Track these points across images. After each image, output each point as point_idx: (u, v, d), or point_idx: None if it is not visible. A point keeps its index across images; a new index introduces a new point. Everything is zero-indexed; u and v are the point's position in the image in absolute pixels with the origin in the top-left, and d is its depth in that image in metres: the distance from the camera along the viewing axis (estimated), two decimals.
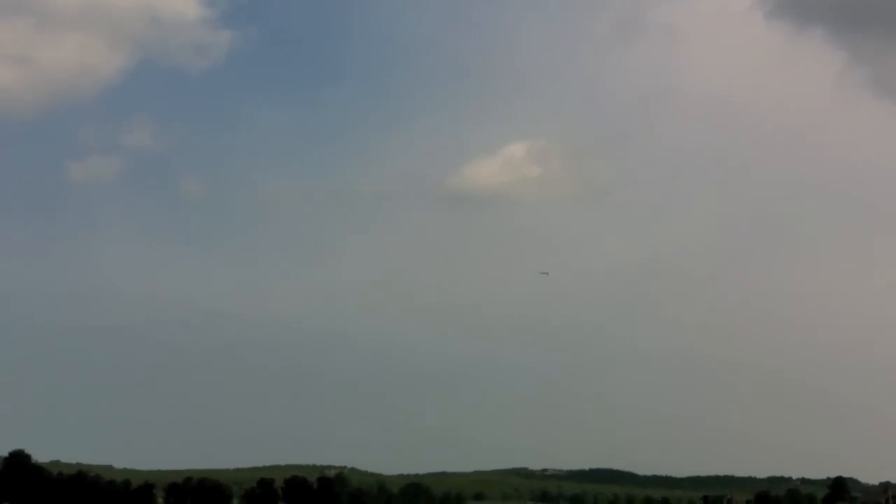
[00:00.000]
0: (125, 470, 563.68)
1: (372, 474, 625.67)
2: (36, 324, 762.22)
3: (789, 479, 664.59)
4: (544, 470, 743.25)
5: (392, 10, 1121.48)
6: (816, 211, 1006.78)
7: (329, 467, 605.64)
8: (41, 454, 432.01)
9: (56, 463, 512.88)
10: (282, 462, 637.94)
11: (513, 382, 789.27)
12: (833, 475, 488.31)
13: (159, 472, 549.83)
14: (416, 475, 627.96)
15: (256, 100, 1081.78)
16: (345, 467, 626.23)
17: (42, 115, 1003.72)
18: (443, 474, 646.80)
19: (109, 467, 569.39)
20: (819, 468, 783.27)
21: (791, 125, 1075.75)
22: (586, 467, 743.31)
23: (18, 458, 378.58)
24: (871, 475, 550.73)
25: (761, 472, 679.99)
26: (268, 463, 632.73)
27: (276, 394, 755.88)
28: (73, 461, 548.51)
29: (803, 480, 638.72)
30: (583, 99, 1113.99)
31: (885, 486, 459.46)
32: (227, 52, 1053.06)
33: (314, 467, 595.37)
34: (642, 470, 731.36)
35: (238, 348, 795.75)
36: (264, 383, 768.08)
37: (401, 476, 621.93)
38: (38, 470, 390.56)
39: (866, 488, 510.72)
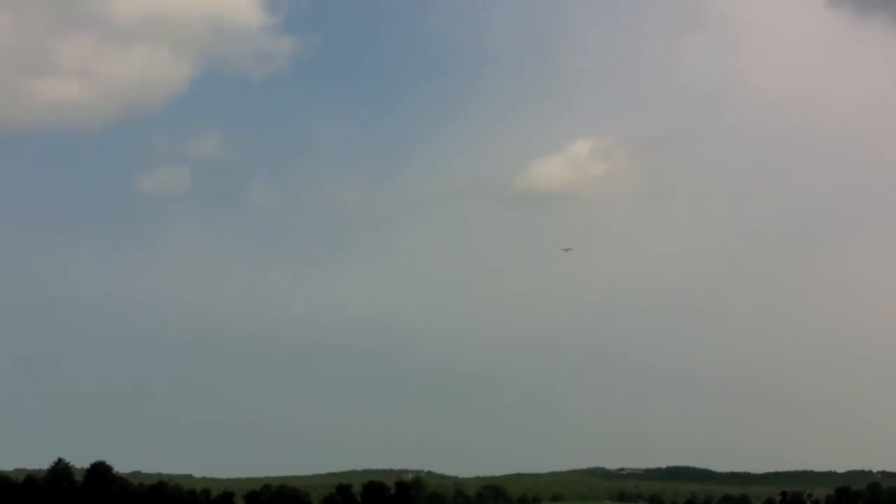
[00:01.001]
0: (204, 479, 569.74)
1: (449, 477, 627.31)
2: (113, 334, 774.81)
3: (870, 472, 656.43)
4: (621, 469, 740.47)
5: (454, 12, 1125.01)
6: (887, 200, 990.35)
7: (406, 471, 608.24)
8: (122, 465, 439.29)
9: (137, 474, 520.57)
10: (359, 467, 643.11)
11: (587, 381, 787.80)
12: None
13: (238, 480, 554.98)
14: (493, 477, 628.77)
15: (321, 105, 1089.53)
16: (422, 471, 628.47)
17: (111, 127, 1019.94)
18: (519, 476, 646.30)
19: (189, 477, 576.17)
20: None
21: (855, 113, 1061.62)
22: (663, 465, 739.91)
23: (100, 470, 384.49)
24: None
25: (841, 467, 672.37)
26: (345, 468, 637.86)
27: (352, 399, 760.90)
28: (154, 471, 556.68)
29: (884, 474, 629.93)
30: (647, 94, 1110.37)
31: None
32: (290, 58, 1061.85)
33: (391, 472, 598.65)
34: (720, 467, 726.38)
35: (311, 355, 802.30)
36: (339, 389, 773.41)
37: (477, 478, 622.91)
38: (119, 481, 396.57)
39: None
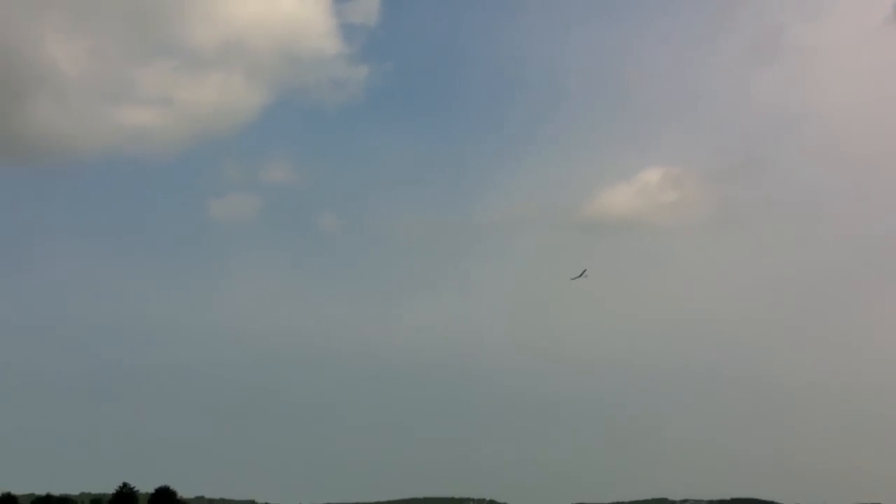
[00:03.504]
0: None
1: None
2: (180, 360, 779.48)
3: None
4: (685, 501, 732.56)
5: (523, 40, 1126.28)
6: None
7: (468, 500, 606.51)
8: (186, 490, 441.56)
9: (200, 499, 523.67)
10: (421, 495, 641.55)
11: (648, 411, 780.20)
12: None
13: None
14: None
15: (392, 133, 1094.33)
16: (483, 499, 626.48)
17: (185, 154, 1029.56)
18: None
19: (251, 502, 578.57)
20: None
21: None
22: (728, 496, 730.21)
23: (164, 494, 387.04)
24: None
25: None
26: (409, 495, 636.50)
27: (417, 426, 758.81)
28: (217, 496, 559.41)
29: None
30: (718, 123, 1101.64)
31: None
32: (364, 86, 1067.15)
33: (454, 500, 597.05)
34: (788, 499, 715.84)
35: (377, 382, 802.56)
36: (403, 416, 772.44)
37: None
38: None
39: None
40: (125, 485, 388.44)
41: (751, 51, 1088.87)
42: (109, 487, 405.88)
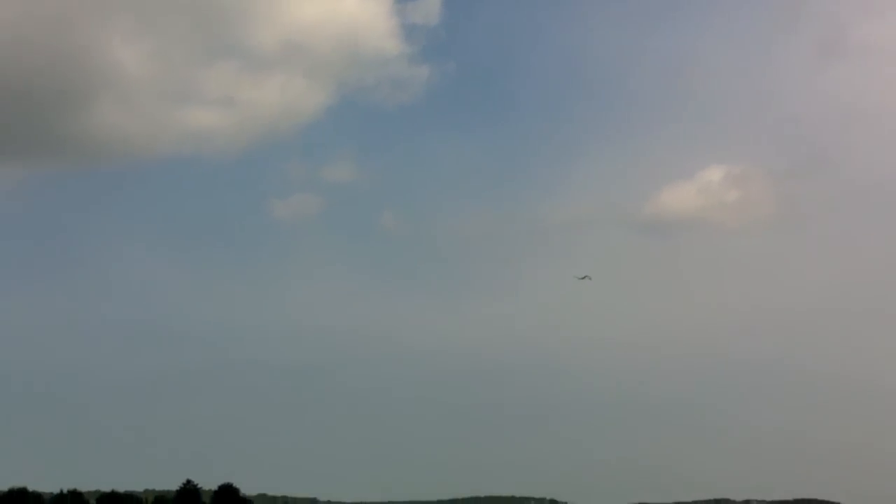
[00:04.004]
0: (329, 502, 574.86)
1: None
2: (243, 358, 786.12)
3: None
4: (747, 501, 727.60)
5: (584, 40, 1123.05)
6: None
7: (528, 499, 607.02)
8: (249, 487, 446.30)
9: (263, 496, 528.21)
10: (481, 493, 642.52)
11: (709, 411, 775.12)
12: None
13: (362, 503, 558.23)
14: None
15: (452, 133, 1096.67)
16: (544, 499, 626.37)
17: (248, 154, 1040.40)
18: None
19: (314, 500, 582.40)
20: None
21: None
22: (790, 497, 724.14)
23: (227, 491, 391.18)
24: None
25: None
26: (467, 494, 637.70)
27: (476, 426, 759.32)
28: (279, 494, 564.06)
29: None
30: (781, 121, 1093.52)
31: None
32: (425, 86, 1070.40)
33: (514, 499, 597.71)
34: (852, 500, 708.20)
35: (436, 383, 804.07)
36: (463, 415, 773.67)
37: None
38: (246, 502, 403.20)
39: None
40: (189, 482, 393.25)
41: (815, 49, 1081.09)
42: (173, 485, 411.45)
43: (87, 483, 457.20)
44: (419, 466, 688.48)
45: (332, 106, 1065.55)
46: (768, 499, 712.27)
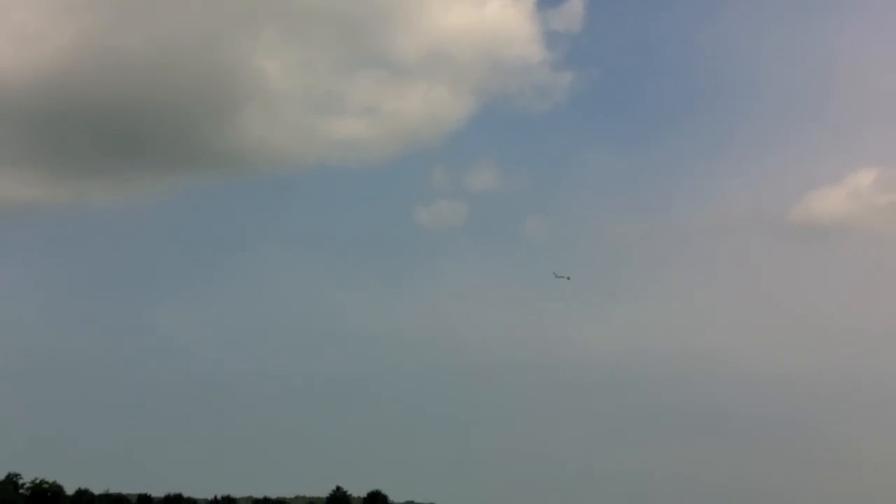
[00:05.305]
0: None
1: None
2: (390, 366, 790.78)
3: None
4: None
5: (727, 40, 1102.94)
6: None
7: None
8: (397, 494, 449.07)
9: (410, 503, 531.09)
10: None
11: (864, 423, 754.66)
12: None
13: None
14: None
15: (596, 139, 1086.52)
16: None
17: (391, 163, 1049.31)
18: None
19: None
20: None
21: None
22: None
23: (376, 498, 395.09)
24: None
25: None
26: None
27: (617, 434, 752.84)
28: (427, 500, 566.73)
29: None
30: None
31: None
32: (568, 93, 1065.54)
33: None
34: None
35: (580, 390, 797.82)
36: (606, 422, 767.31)
37: None
38: None
39: None
40: (338, 488, 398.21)
41: None
42: (323, 491, 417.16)
43: (240, 489, 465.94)
44: (561, 474, 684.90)
45: (474, 114, 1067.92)
46: None
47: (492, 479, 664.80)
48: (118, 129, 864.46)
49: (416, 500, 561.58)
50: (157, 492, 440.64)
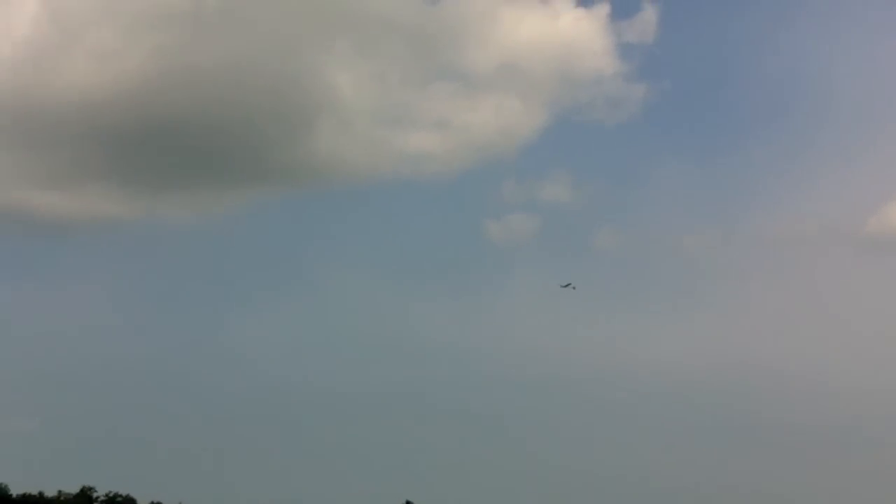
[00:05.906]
0: None
1: None
2: (461, 379, 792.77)
3: None
4: None
5: (800, 50, 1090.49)
6: None
7: None
8: None
9: None
10: None
11: None
12: None
13: None
14: None
15: (669, 151, 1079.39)
16: None
17: (463, 176, 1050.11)
18: None
19: None
20: None
21: None
22: None
23: None
24: None
25: None
26: None
27: (686, 446, 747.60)
28: None
29: None
30: None
31: None
32: (641, 105, 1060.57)
33: None
34: None
35: (654, 402, 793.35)
36: (677, 435, 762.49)
37: None
38: None
39: None
40: (408, 502, 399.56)
41: None
42: None
43: (309, 503, 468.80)
44: (619, 487, 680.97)
45: (546, 126, 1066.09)
46: None
47: (560, 497, 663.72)
48: (192, 145, 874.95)
49: None
50: None
